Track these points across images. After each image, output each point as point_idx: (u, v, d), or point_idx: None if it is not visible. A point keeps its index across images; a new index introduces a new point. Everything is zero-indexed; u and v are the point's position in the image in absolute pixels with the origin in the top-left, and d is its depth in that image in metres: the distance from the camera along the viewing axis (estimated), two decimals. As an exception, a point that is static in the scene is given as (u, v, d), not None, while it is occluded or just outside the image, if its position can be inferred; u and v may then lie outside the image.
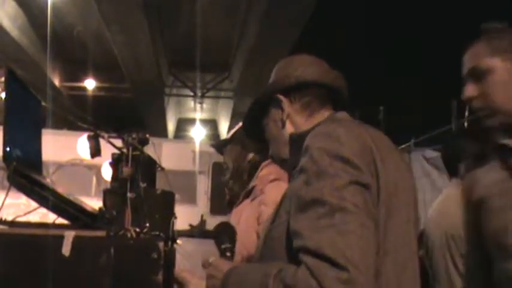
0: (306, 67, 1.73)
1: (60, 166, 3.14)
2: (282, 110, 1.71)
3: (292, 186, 1.46)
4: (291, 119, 1.72)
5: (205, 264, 1.67)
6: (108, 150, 2.54)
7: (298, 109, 1.71)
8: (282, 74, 1.75)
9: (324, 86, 1.71)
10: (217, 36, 15.71)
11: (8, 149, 1.88)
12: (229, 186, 3.03)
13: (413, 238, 1.49)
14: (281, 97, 1.71)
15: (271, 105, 1.74)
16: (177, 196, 2.59)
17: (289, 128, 1.72)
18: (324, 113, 1.71)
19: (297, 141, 1.59)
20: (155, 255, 1.76)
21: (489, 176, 1.89)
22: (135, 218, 2.12)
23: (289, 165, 1.66)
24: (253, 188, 2.82)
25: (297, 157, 1.47)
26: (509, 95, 1.81)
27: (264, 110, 1.79)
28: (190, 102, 20.78)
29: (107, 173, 3.74)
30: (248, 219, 2.71)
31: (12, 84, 2.07)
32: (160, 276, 1.75)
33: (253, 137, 1.98)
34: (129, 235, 1.86)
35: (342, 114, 1.69)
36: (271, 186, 2.68)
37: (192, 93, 19.11)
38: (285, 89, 1.71)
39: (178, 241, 2.21)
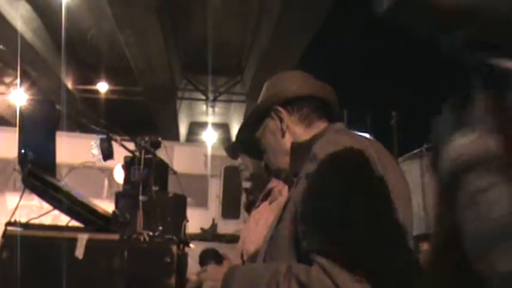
0: (302, 82, 1.80)
1: (72, 168, 3.16)
2: (281, 120, 1.76)
3: (298, 191, 1.49)
4: (290, 130, 1.76)
5: (199, 273, 1.71)
6: (120, 153, 2.56)
7: (296, 120, 1.76)
8: (280, 88, 1.80)
9: (319, 100, 1.77)
10: (229, 39, 15.73)
11: (23, 151, 1.89)
12: (250, 189, 3.04)
13: (410, 237, 1.51)
14: (280, 108, 1.75)
15: (269, 118, 1.79)
16: (188, 200, 2.60)
17: (288, 138, 1.76)
18: (321, 125, 1.77)
19: (298, 149, 1.65)
20: (168, 259, 1.77)
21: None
22: (147, 221, 2.12)
23: (290, 172, 1.71)
24: (271, 189, 2.81)
25: (298, 164, 1.53)
26: None
27: (258, 123, 1.83)
28: (203, 106, 20.80)
29: (120, 175, 3.75)
30: (268, 222, 2.70)
31: (29, 87, 2.08)
32: (173, 280, 1.76)
33: (245, 149, 2.03)
34: (142, 238, 1.87)
35: (339, 125, 1.73)
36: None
37: (204, 97, 19.13)
38: (283, 102, 1.76)
39: (191, 245, 2.21)
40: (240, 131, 1.94)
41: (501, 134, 0.78)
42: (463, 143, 0.85)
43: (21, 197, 1.88)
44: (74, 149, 7.83)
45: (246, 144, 1.98)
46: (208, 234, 9.09)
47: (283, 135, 1.76)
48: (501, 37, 0.74)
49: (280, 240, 1.52)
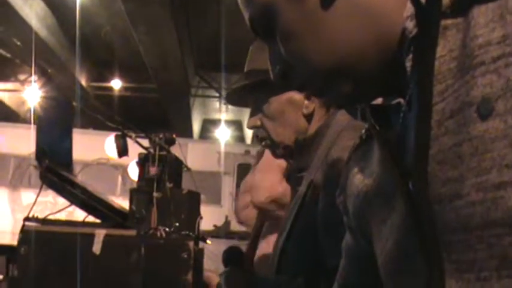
0: None
1: (86, 165, 3.17)
2: (310, 99, 1.66)
3: (314, 198, 1.44)
4: (314, 112, 1.67)
5: (221, 274, 1.69)
6: (134, 149, 2.56)
7: (320, 104, 1.66)
8: None
9: None
10: (243, 37, 15.70)
11: (40, 147, 1.91)
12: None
13: None
14: None
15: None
16: (202, 197, 2.60)
17: (308, 121, 1.66)
18: (326, 114, 1.68)
19: (302, 143, 1.58)
20: (185, 255, 1.77)
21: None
22: (161, 217, 2.13)
23: (294, 168, 1.66)
24: None
25: (303, 160, 1.49)
26: None
27: (275, 88, 1.66)
28: (216, 103, 20.82)
29: (134, 172, 3.76)
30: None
31: (45, 84, 2.10)
32: (190, 276, 1.76)
33: (236, 96, 1.95)
34: (158, 234, 1.87)
35: (344, 115, 1.57)
36: None
37: (217, 94, 19.14)
38: None
39: (208, 241, 2.21)
40: (258, 82, 1.77)
41: (384, 167, 0.83)
42: (361, 178, 0.92)
43: (38, 193, 1.90)
44: (88, 146, 7.88)
45: (240, 93, 1.90)
46: (222, 231, 9.11)
47: (305, 115, 1.66)
48: (375, 88, 0.83)
49: (295, 251, 1.48)
